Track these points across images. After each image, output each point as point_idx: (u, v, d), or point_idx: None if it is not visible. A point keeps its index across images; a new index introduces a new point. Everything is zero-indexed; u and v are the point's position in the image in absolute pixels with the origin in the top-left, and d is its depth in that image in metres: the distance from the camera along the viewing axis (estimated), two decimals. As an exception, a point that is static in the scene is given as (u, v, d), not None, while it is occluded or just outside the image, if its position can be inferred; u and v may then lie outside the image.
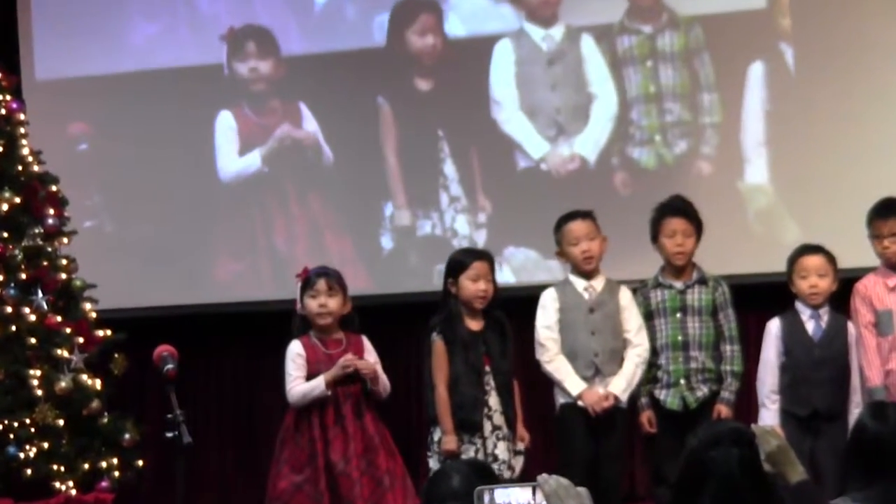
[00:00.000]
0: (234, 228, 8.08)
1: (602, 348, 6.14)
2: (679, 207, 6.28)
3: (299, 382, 5.96)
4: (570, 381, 6.11)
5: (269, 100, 8.12)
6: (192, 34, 8.22)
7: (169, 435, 4.76)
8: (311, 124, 8.05)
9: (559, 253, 6.30)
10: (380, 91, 7.94)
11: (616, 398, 6.08)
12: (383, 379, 6.02)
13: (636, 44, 7.62)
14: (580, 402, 6.08)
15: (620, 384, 6.11)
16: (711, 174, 7.53)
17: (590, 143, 7.66)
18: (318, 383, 5.91)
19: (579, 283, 6.23)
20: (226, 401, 8.15)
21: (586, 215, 6.25)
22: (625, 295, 6.23)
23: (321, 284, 6.01)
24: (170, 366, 4.95)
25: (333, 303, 6.00)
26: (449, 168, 7.85)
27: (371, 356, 6.05)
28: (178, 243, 8.05)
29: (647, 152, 7.60)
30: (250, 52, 8.15)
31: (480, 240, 7.69)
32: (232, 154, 8.14)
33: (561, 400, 6.17)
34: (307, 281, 6.04)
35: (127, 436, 6.72)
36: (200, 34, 8.19)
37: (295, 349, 6.01)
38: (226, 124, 8.17)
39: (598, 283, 6.23)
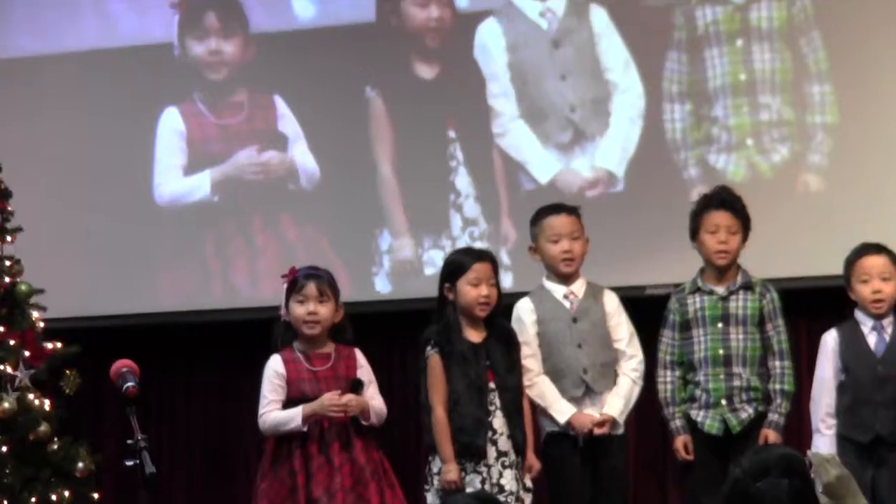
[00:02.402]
0: (179, 257, 7.68)
1: (591, 362, 6.16)
2: (724, 200, 6.26)
3: (274, 408, 5.94)
4: (557, 407, 6.12)
5: (232, 91, 7.57)
6: (133, 3, 7.64)
7: (129, 463, 4.73)
8: (289, 124, 7.51)
9: (533, 249, 6.30)
10: (367, 80, 7.45)
11: (614, 422, 6.10)
12: (376, 406, 6.00)
13: (722, 17, 7.09)
14: (570, 431, 6.09)
15: (617, 405, 6.13)
16: (823, 189, 7.01)
17: (616, 153, 7.22)
18: (294, 416, 5.88)
19: (558, 290, 6.24)
20: (195, 424, 8.15)
21: (572, 211, 6.27)
22: (610, 300, 6.26)
23: (310, 289, 5.98)
24: (130, 383, 4.93)
25: (324, 310, 5.98)
26: (462, 181, 7.39)
27: (365, 373, 6.04)
28: (126, 252, 7.80)
29: (736, 160, 7.10)
30: (210, 27, 7.57)
31: (507, 281, 6.94)
32: (174, 170, 7.57)
33: (547, 428, 6.19)
34: (294, 283, 6.02)
35: (80, 464, 6.69)
36: (144, 4, 7.62)
37: (273, 366, 5.99)
38: (170, 126, 7.57)
39: (579, 289, 6.25)
